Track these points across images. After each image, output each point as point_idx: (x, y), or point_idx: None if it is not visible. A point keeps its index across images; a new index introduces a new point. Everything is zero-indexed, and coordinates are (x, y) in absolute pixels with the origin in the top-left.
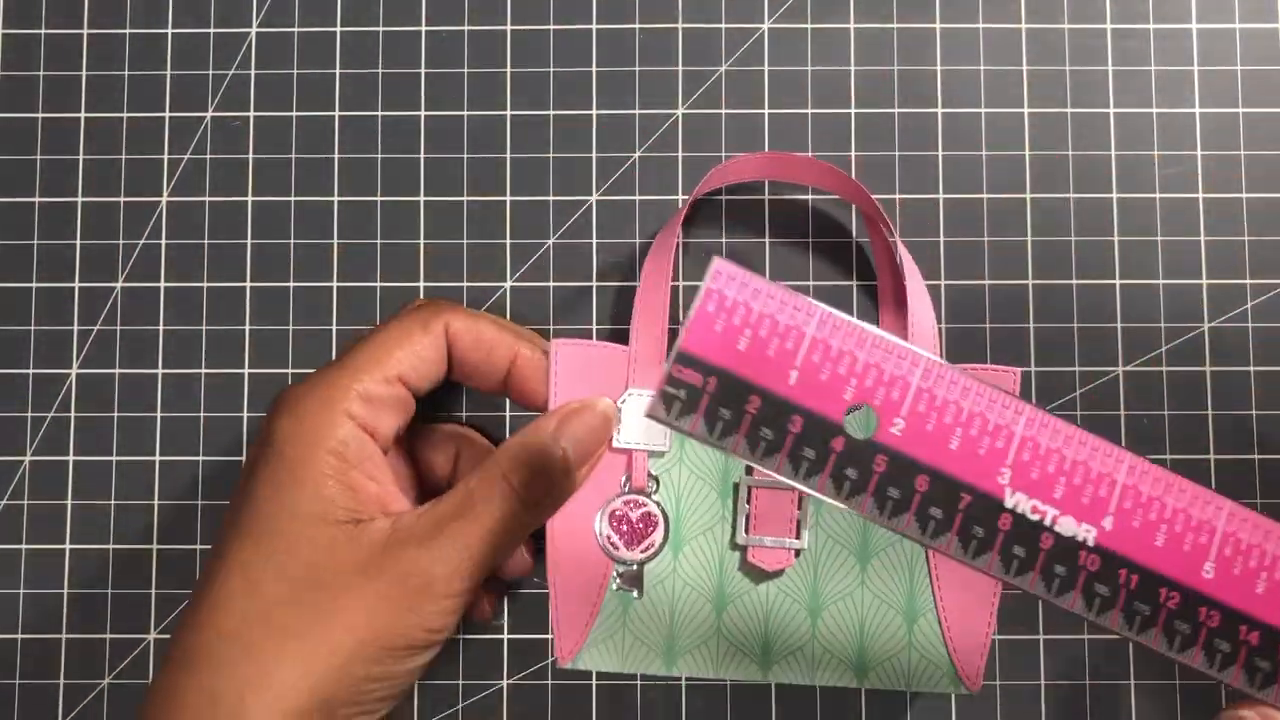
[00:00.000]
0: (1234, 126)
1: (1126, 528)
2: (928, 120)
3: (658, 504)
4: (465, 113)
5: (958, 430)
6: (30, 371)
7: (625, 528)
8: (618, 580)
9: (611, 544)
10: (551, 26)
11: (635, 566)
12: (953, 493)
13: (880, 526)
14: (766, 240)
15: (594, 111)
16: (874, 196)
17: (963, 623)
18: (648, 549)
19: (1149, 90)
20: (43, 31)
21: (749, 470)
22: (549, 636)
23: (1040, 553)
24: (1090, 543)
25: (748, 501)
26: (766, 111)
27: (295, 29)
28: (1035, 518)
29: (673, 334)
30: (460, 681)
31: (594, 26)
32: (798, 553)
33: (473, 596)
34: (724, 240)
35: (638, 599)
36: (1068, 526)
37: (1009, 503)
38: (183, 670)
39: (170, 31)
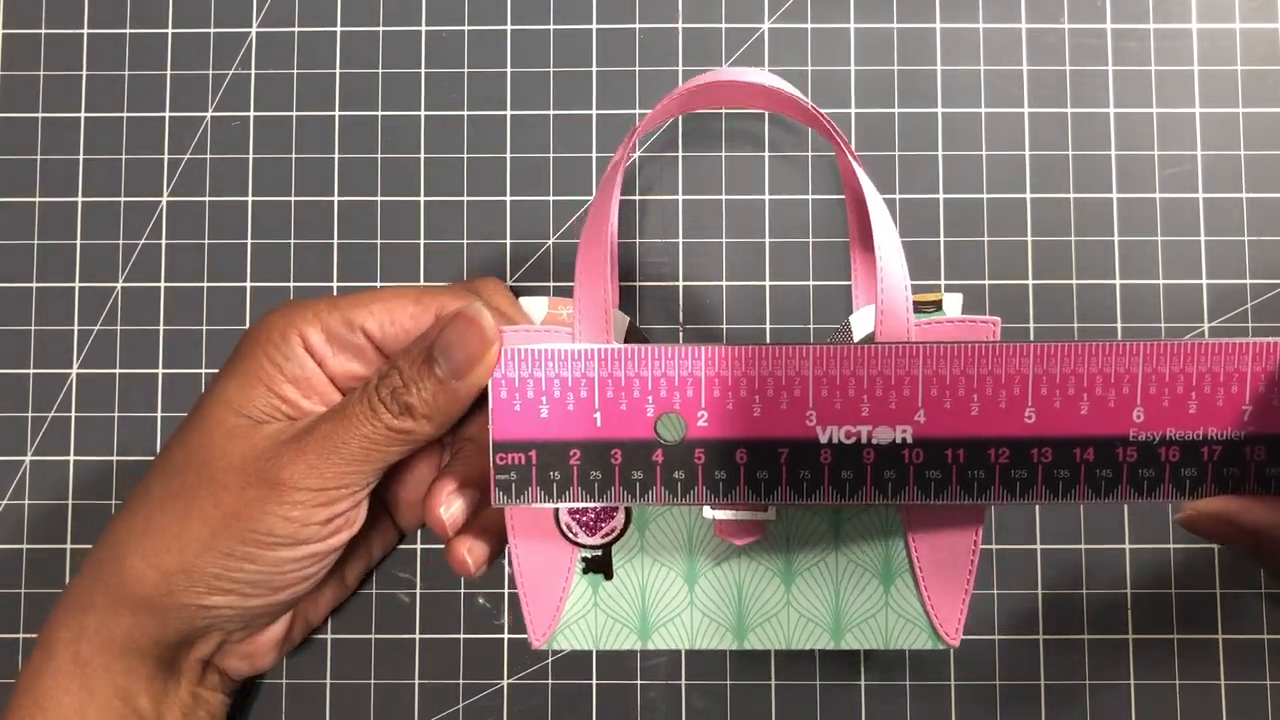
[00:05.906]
0: (1234, 126)
1: (939, 412)
2: (928, 120)
3: None
4: (465, 112)
5: (755, 399)
6: (30, 371)
7: (586, 515)
8: (584, 564)
9: (571, 531)
10: (551, 26)
11: (600, 552)
12: (770, 451)
13: (720, 510)
14: (767, 240)
15: (594, 111)
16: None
17: (940, 581)
18: (609, 534)
19: (1149, 90)
20: (43, 31)
21: None
22: None
23: (866, 467)
24: (909, 440)
25: None
26: (766, 111)
27: (295, 29)
28: (850, 441)
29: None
30: (460, 681)
31: (594, 26)
32: (767, 524)
33: (343, 499)
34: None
35: (607, 581)
36: (884, 435)
37: (824, 439)
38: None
39: (170, 31)
